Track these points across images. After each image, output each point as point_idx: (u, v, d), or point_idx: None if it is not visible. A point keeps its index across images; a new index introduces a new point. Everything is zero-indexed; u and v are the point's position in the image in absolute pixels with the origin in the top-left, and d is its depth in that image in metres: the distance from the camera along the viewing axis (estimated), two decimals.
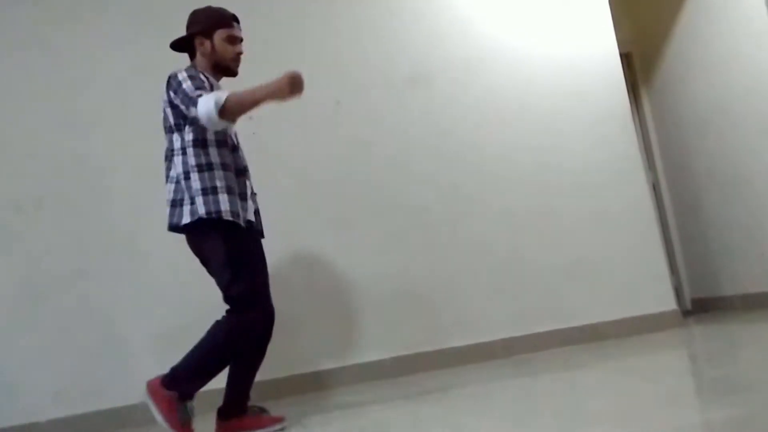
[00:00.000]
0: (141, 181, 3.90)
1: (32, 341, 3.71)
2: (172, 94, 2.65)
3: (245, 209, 2.69)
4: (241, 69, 2.90)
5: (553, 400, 2.48)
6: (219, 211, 2.58)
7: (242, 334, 2.61)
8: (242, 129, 4.03)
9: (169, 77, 2.68)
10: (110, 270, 3.83)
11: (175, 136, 2.68)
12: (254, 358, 2.73)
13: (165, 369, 2.84)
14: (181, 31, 2.86)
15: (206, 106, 2.52)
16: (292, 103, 4.08)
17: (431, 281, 4.20)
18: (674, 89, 5.39)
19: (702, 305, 5.42)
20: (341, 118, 4.27)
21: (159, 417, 2.54)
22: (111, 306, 3.78)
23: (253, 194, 2.87)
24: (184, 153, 2.65)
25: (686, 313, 5.29)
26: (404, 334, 4.10)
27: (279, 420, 2.67)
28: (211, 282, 2.74)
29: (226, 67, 2.82)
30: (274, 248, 3.85)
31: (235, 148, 2.78)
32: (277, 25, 4.30)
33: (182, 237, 2.75)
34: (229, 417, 2.67)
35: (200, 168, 2.62)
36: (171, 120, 2.69)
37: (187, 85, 2.60)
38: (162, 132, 2.78)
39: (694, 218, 5.40)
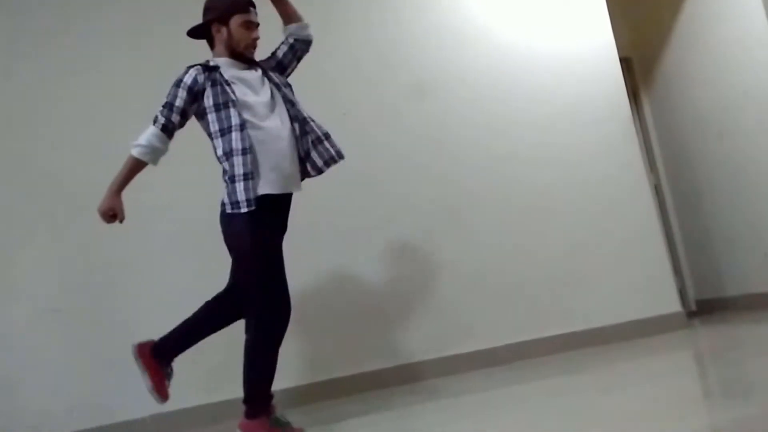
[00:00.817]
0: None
1: (44, 358, 3.73)
2: None
3: (275, 180, 2.69)
4: None
5: (559, 405, 2.49)
6: (236, 202, 2.61)
7: (267, 338, 2.65)
8: None
9: None
10: (122, 285, 3.84)
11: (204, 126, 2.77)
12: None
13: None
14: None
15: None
16: None
17: (434, 288, 4.21)
18: (674, 93, 5.42)
19: (707, 306, 5.42)
20: (348, 128, 4.28)
21: (147, 381, 2.75)
22: (121, 321, 3.77)
23: (319, 140, 2.84)
24: (213, 144, 2.75)
25: (691, 315, 5.29)
26: (407, 342, 4.10)
27: None
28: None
29: (240, 54, 2.81)
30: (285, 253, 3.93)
31: (269, 115, 2.74)
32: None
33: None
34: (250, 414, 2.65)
35: (225, 157, 2.67)
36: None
37: (167, 98, 2.71)
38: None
39: (697, 219, 5.42)
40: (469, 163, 4.42)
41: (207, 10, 2.84)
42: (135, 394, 3.44)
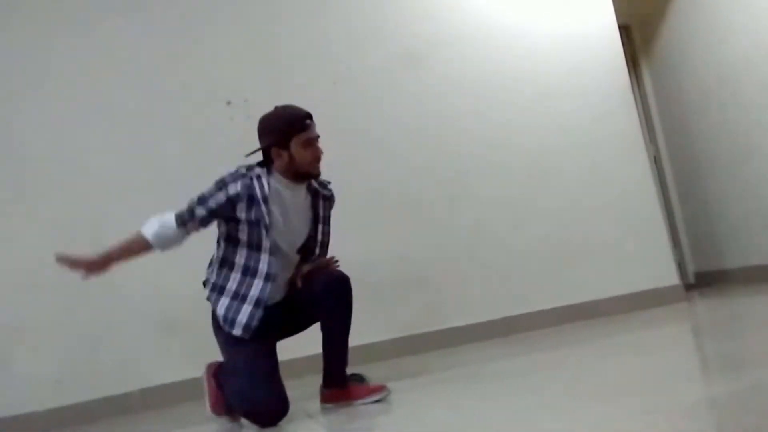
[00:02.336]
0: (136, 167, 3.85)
1: (32, 330, 3.67)
2: None
3: (250, 315, 2.54)
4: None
5: (554, 377, 2.45)
6: (233, 321, 2.54)
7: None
8: (238, 110, 4.01)
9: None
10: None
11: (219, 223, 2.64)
12: (335, 328, 2.60)
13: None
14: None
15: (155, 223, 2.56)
16: (289, 86, 4.10)
17: (430, 263, 4.16)
18: (675, 61, 5.31)
19: (706, 279, 5.38)
20: (338, 100, 4.21)
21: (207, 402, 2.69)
22: (110, 294, 3.71)
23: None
24: (218, 243, 2.66)
25: (690, 287, 5.25)
26: (404, 316, 4.07)
27: (381, 389, 2.57)
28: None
29: (306, 173, 2.61)
30: None
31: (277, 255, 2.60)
32: (270, 7, 4.23)
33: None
34: (330, 386, 2.60)
35: (232, 267, 2.58)
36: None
37: (205, 191, 2.55)
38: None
39: (697, 191, 5.35)
40: (465, 132, 4.34)
41: (262, 134, 2.62)
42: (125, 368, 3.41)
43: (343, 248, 3.87)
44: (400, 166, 4.22)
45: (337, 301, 2.57)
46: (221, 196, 2.49)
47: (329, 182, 2.83)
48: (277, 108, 2.65)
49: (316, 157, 2.61)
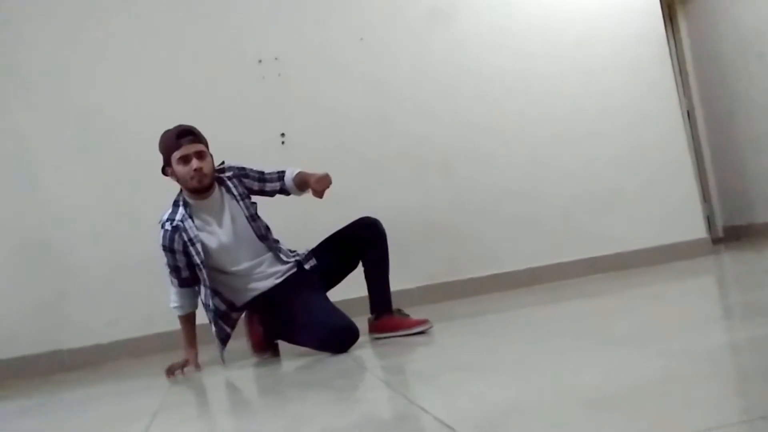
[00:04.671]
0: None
1: (90, 276, 3.87)
2: None
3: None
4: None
5: (576, 323, 2.50)
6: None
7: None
8: (269, 69, 4.09)
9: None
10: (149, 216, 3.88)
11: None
12: (373, 266, 2.89)
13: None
14: None
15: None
16: (318, 43, 4.15)
17: (456, 215, 4.21)
18: (713, 11, 5.19)
19: (735, 233, 5.35)
20: (366, 56, 4.23)
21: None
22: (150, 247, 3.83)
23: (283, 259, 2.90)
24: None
25: (718, 241, 5.24)
26: (429, 265, 4.14)
27: (424, 322, 2.74)
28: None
29: (190, 188, 2.77)
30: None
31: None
32: None
33: None
34: (379, 315, 2.81)
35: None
36: None
37: (166, 261, 2.83)
38: None
39: (729, 145, 5.28)
40: (492, 87, 4.32)
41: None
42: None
43: (374, 200, 3.98)
44: (428, 122, 4.24)
45: (371, 235, 2.85)
46: (175, 257, 2.76)
47: (223, 166, 2.94)
48: (165, 130, 2.83)
49: (190, 172, 2.71)
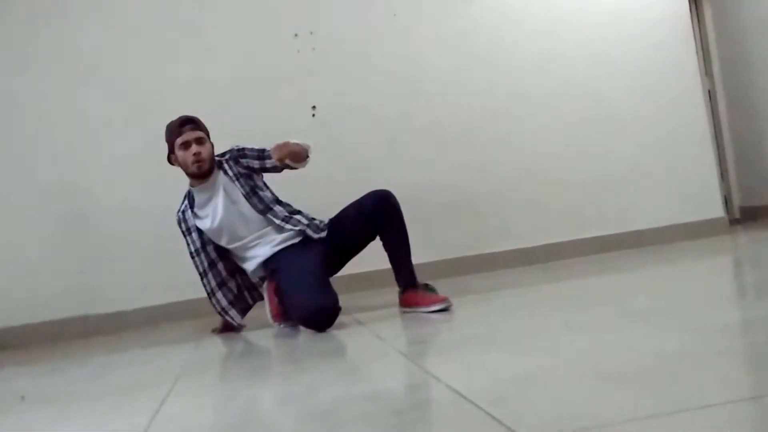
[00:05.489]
0: None
1: (117, 243, 3.98)
2: None
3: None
4: None
5: (593, 299, 2.53)
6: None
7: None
8: (304, 43, 4.15)
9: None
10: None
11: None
12: (392, 241, 2.90)
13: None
14: None
15: None
16: (352, 18, 4.20)
17: (476, 191, 4.26)
18: None
19: (752, 214, 5.33)
20: (397, 31, 4.25)
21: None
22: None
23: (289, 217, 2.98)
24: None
25: (735, 222, 5.22)
26: (447, 240, 4.19)
27: (443, 300, 2.75)
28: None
29: (191, 173, 2.95)
30: (331, 158, 4.03)
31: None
32: None
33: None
34: (404, 291, 2.85)
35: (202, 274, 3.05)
36: None
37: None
38: None
39: (750, 126, 5.24)
40: (515, 65, 4.33)
41: None
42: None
43: (399, 175, 4.01)
44: (454, 99, 4.28)
45: (387, 213, 2.86)
46: (189, 237, 3.01)
47: (223, 156, 3.02)
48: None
49: (193, 155, 2.89)
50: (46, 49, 4.01)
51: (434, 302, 2.74)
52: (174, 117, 3.56)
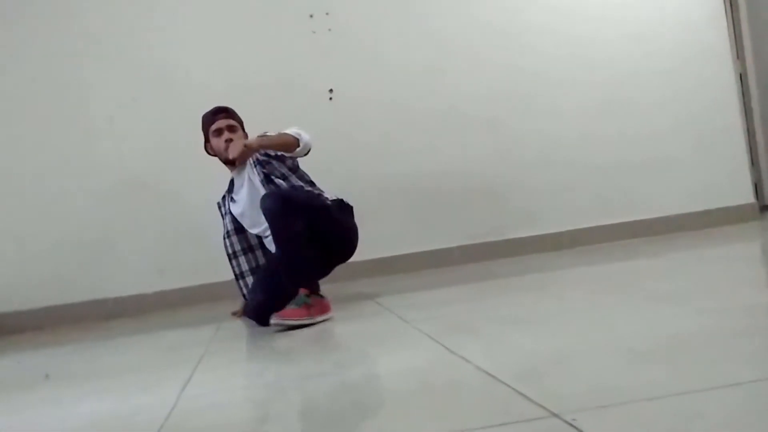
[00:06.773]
0: None
1: (137, 227, 4.01)
2: None
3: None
4: None
5: (619, 282, 2.52)
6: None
7: None
8: (320, 24, 4.12)
9: None
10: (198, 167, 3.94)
11: None
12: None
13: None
14: None
15: None
16: None
17: (500, 176, 4.21)
18: None
19: None
20: (414, 12, 4.22)
21: None
22: (198, 198, 3.91)
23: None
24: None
25: (765, 208, 5.14)
26: (472, 226, 4.17)
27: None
28: None
29: (224, 160, 3.02)
30: (356, 139, 4.05)
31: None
32: None
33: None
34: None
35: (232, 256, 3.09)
36: None
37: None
38: None
39: None
40: (541, 48, 4.27)
41: None
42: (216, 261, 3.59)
43: (420, 160, 4.00)
44: (475, 82, 4.22)
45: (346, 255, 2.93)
46: (224, 221, 3.11)
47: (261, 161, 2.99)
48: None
49: (225, 142, 2.97)
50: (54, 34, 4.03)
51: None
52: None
